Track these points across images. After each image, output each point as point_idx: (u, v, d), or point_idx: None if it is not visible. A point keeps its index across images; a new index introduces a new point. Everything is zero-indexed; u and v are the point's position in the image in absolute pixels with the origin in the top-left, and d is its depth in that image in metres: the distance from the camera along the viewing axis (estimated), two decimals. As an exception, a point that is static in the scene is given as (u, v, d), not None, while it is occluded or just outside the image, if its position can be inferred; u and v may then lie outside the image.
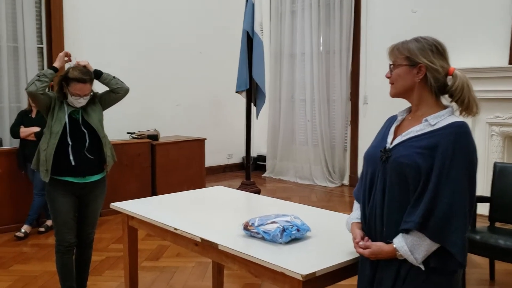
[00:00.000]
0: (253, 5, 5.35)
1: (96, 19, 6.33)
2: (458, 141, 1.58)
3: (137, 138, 5.91)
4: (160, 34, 6.96)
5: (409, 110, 1.81)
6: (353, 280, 1.88)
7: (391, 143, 1.73)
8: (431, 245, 1.57)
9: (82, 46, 6.00)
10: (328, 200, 6.16)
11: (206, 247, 2.12)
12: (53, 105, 2.93)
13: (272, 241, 1.97)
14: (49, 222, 4.68)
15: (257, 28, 5.35)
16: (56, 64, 3.01)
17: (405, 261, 1.61)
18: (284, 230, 1.96)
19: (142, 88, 6.28)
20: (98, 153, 3.02)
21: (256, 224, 2.03)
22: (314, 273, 1.70)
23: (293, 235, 1.98)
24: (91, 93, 2.99)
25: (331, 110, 6.99)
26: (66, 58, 3.07)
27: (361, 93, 6.63)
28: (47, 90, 2.94)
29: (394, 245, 1.61)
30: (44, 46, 5.98)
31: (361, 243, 1.70)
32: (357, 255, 1.78)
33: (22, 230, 4.54)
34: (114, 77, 3.12)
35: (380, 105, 6.30)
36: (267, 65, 6.18)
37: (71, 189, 2.95)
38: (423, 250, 1.57)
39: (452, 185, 1.55)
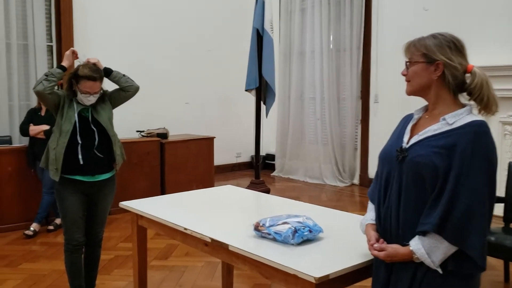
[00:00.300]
0: (263, 2, 5.30)
1: (105, 17, 6.32)
2: (478, 140, 1.53)
3: (147, 136, 5.90)
4: (169, 32, 6.94)
5: (426, 109, 1.76)
6: (367, 283, 1.83)
7: (408, 142, 1.68)
8: (449, 247, 1.52)
9: (91, 44, 5.99)
10: (338, 199, 6.11)
11: (216, 247, 2.09)
12: (63, 103, 2.91)
13: (284, 242, 1.93)
14: (58, 221, 4.67)
15: (267, 26, 5.30)
16: (64, 63, 2.98)
17: (421, 264, 1.57)
18: (296, 231, 1.92)
19: (151, 86, 6.26)
20: (108, 152, 2.99)
21: (267, 224, 1.99)
22: (328, 275, 1.66)
23: (305, 236, 1.94)
24: (101, 91, 2.97)
25: (341, 109, 6.93)
26: (73, 55, 3.05)
27: (372, 92, 6.56)
28: (56, 88, 2.91)
29: (411, 248, 1.57)
30: (54, 44, 5.98)
31: (376, 245, 1.66)
32: (371, 257, 1.74)
33: (31, 229, 4.54)
34: (124, 75, 3.10)
35: (391, 103, 6.24)
36: (276, 63, 6.11)
37: (80, 187, 2.93)
38: (440, 253, 1.52)
39: (471, 186, 1.50)
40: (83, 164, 2.88)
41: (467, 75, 1.65)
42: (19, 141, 5.33)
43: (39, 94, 2.85)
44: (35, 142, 4.56)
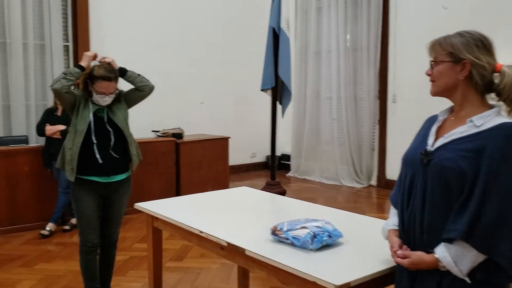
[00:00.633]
0: (279, 1, 5.24)
1: (120, 17, 6.33)
2: (507, 143, 1.46)
3: (162, 136, 5.89)
4: (184, 32, 6.93)
5: (451, 110, 1.68)
6: (389, 291, 1.77)
7: (433, 145, 1.61)
8: (478, 256, 1.45)
9: (107, 44, 6.01)
10: (355, 201, 6.02)
11: (232, 251, 2.04)
12: (78, 103, 2.90)
13: (302, 247, 1.87)
14: (73, 221, 4.68)
15: (283, 25, 5.24)
16: (83, 63, 2.96)
17: (447, 272, 1.50)
18: (315, 236, 1.86)
19: (166, 86, 6.25)
20: (123, 152, 2.97)
21: (284, 229, 1.93)
22: (348, 283, 1.60)
23: (324, 242, 1.87)
24: (117, 91, 2.95)
25: (359, 109, 6.84)
26: (92, 58, 3.01)
27: (390, 91, 6.46)
28: (72, 88, 2.90)
29: (436, 255, 1.50)
30: (70, 44, 6.01)
31: (399, 252, 1.59)
32: (393, 263, 1.67)
33: (47, 228, 4.55)
34: (138, 74, 3.07)
35: (409, 103, 6.14)
36: (292, 63, 6.05)
37: (96, 188, 2.91)
38: (468, 262, 1.45)
39: (501, 191, 1.43)
40: (99, 164, 2.85)
41: (496, 74, 1.58)
42: (36, 141, 5.37)
43: (56, 92, 2.84)
44: (52, 142, 4.56)
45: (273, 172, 5.61)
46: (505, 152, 1.45)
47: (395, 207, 1.75)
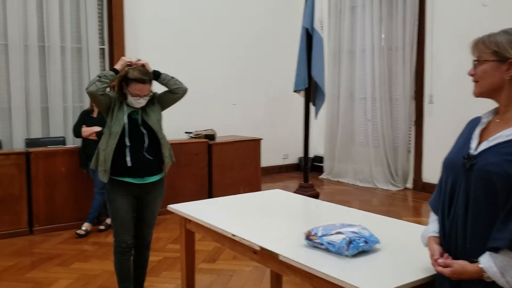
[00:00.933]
0: (313, 1, 5.18)
1: (155, 20, 6.41)
2: (558, 147, 1.37)
3: (195, 137, 5.92)
4: (217, 33, 6.95)
5: (496, 112, 1.60)
6: (429, 300, 1.69)
7: (476, 149, 1.53)
8: (526, 267, 1.36)
9: (141, 47, 6.09)
10: (390, 204, 5.89)
11: (266, 256, 2.01)
12: (113, 105, 2.93)
13: (338, 253, 1.82)
14: (108, 221, 4.74)
15: (317, 25, 5.17)
16: (117, 66, 2.99)
17: (492, 283, 1.42)
18: (350, 241, 1.80)
19: (199, 87, 6.29)
20: (157, 154, 2.98)
21: (319, 234, 1.89)
22: (387, 292, 1.54)
23: (360, 248, 1.82)
24: (150, 94, 2.97)
25: (394, 109, 6.69)
26: (128, 63, 3.01)
27: (426, 92, 6.29)
28: (108, 90, 2.93)
29: (481, 265, 1.42)
30: (106, 47, 6.13)
31: (440, 260, 1.52)
32: (433, 272, 1.60)
33: (83, 228, 4.64)
34: (172, 77, 3.08)
35: (447, 104, 5.96)
36: (325, 63, 5.96)
37: (130, 190, 2.93)
38: (516, 273, 1.37)
39: (551, 198, 1.34)
40: (132, 166, 2.88)
41: (544, 74, 1.49)
42: (73, 142, 5.48)
43: (91, 94, 2.88)
44: (88, 143, 4.65)
45: (306, 174, 5.54)
46: (554, 156, 1.36)
47: (435, 212, 1.68)
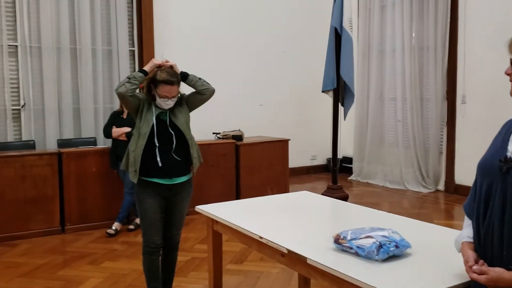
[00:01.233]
0: (341, 0, 5.12)
1: (184, 21, 6.47)
2: None
3: (222, 138, 5.93)
4: (245, 34, 6.96)
5: (535, 112, 1.53)
6: (463, 308, 1.64)
7: (513, 152, 1.47)
8: None
9: (171, 49, 6.15)
10: (421, 206, 5.76)
11: (293, 259, 1.98)
12: (142, 107, 2.96)
13: (367, 257, 1.78)
14: (138, 220, 4.80)
15: (346, 24, 5.10)
16: (147, 67, 3.01)
17: (531, 292, 1.36)
18: (381, 246, 1.76)
19: (227, 88, 6.31)
20: (185, 155, 3.00)
21: (348, 237, 1.85)
22: (418, 298, 1.50)
23: (391, 252, 1.77)
24: (178, 95, 2.98)
25: (425, 110, 6.55)
26: (157, 65, 3.03)
27: (459, 92, 6.13)
28: (137, 92, 2.96)
29: (518, 273, 1.36)
30: (136, 49, 6.21)
31: (475, 267, 1.46)
32: (467, 278, 1.55)
33: (113, 228, 4.71)
34: (200, 78, 3.09)
35: (480, 104, 5.80)
36: (354, 63, 5.87)
37: (159, 190, 2.95)
38: (556, 282, 1.31)
39: None
40: (161, 167, 2.89)
41: None
42: (103, 143, 5.57)
43: (121, 95, 2.91)
44: (118, 144, 4.71)
45: (335, 175, 5.48)
46: None
47: (470, 217, 1.62)
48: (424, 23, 6.46)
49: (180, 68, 3.04)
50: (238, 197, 5.66)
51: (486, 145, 1.63)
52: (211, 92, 3.09)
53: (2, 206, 4.54)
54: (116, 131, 4.72)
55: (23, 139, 5.55)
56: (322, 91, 5.44)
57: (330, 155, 5.92)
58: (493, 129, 1.65)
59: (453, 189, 6.20)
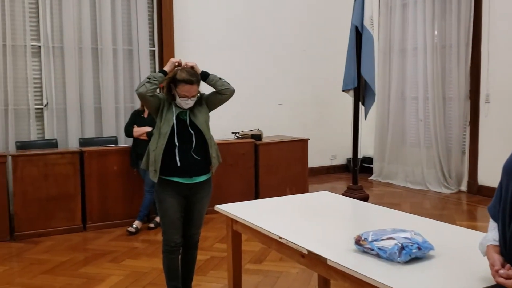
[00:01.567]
0: (362, -1, 5.06)
1: (204, 21, 6.49)
2: None
3: (241, 137, 5.93)
4: (264, 33, 6.95)
5: None
6: (488, 313, 1.60)
7: (541, 153, 1.43)
8: None
9: (190, 49, 6.19)
10: (443, 207, 5.67)
11: (314, 260, 1.97)
12: (162, 106, 2.97)
13: (389, 259, 1.75)
14: (158, 219, 4.84)
15: (367, 23, 5.04)
16: (166, 67, 3.02)
17: (560, 297, 1.32)
18: (403, 247, 1.73)
19: (246, 87, 6.31)
20: (204, 154, 3.00)
21: (369, 239, 1.83)
22: (441, 302, 1.47)
23: (413, 254, 1.74)
24: (198, 95, 2.99)
25: (447, 109, 6.45)
26: (176, 64, 3.06)
27: (482, 91, 6.01)
28: (157, 91, 2.98)
29: (546, 278, 1.32)
30: (156, 49, 6.25)
31: (502, 271, 1.43)
32: (492, 282, 1.51)
33: (134, 226, 4.75)
34: (220, 78, 3.09)
35: (504, 103, 5.68)
36: (375, 62, 5.80)
37: (179, 189, 2.97)
38: None
39: None
40: (181, 166, 2.91)
41: None
42: (124, 142, 5.62)
43: (141, 96, 2.93)
44: (138, 143, 4.75)
45: (355, 176, 5.42)
46: None
47: (495, 220, 1.59)
48: (447, 21, 6.35)
49: (200, 68, 3.05)
50: (257, 196, 5.66)
51: (510, 145, 1.58)
52: (231, 92, 3.09)
53: (25, 204, 4.63)
54: (137, 131, 4.76)
55: (46, 138, 5.64)
56: (343, 90, 5.39)
57: (350, 155, 5.86)
58: (519, 130, 1.60)
59: (476, 190, 6.09)
